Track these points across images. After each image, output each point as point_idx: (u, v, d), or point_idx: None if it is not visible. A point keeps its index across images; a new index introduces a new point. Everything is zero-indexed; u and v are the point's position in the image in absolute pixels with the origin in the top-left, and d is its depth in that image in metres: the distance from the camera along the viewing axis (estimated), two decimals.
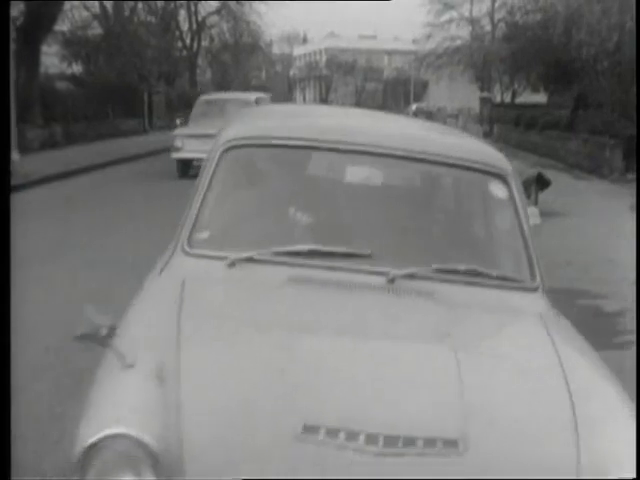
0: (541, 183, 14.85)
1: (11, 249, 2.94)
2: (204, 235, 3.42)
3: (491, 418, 2.50)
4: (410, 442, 2.33)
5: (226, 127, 3.86)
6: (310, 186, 3.90)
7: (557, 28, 29.22)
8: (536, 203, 13.55)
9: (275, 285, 3.08)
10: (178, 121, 21.51)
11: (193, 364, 2.55)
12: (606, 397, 2.69)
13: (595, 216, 14.97)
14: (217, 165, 3.54)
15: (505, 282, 3.33)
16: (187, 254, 3.30)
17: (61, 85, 30.07)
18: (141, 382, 2.44)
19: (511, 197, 3.58)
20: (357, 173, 3.83)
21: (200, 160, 7.64)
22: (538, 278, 3.40)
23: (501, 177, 3.61)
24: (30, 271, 8.27)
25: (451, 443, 2.36)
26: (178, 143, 18.83)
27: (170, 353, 2.57)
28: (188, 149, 18.32)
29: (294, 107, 9.27)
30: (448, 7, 53.14)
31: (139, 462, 2.22)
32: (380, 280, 3.16)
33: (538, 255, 3.48)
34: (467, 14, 53.49)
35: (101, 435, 2.23)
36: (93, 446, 2.22)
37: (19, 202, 13.77)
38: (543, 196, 14.65)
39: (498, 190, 3.63)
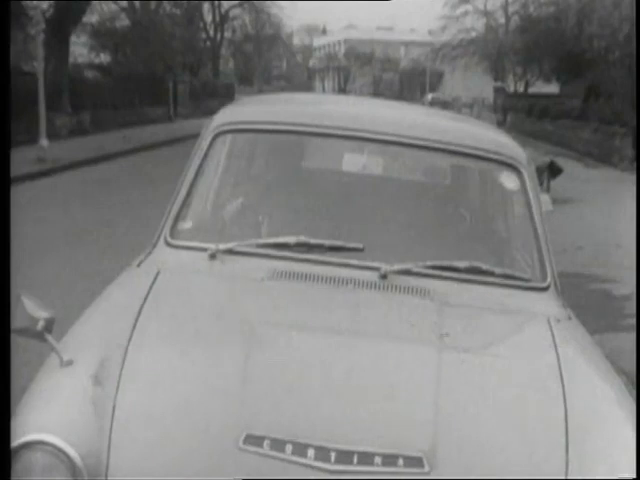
0: (553, 171, 14.96)
1: (11, 251, 2.78)
2: (187, 225, 3.19)
3: (466, 432, 2.23)
4: (366, 459, 2.10)
5: (218, 112, 3.54)
6: (303, 175, 3.72)
7: (569, 20, 29.63)
8: (548, 190, 13.64)
9: (255, 279, 2.83)
10: None
11: (138, 366, 2.33)
12: (607, 412, 2.39)
13: (605, 203, 15.08)
14: (207, 151, 3.31)
15: (511, 281, 3.03)
16: (168, 245, 3.07)
17: (89, 74, 30.54)
18: (76, 383, 2.25)
19: (524, 189, 3.27)
20: (355, 162, 3.54)
21: None
22: (549, 277, 3.09)
23: (514, 167, 3.30)
24: (62, 251, 8.98)
25: (415, 461, 2.11)
26: None
27: (116, 352, 2.36)
28: None
29: (306, 95, 8.53)
30: (463, 0, 53.67)
31: (56, 472, 2.07)
32: (372, 276, 2.90)
33: (552, 253, 3.20)
34: (482, 7, 54.06)
35: (22, 441, 2.08)
36: (14, 451, 2.07)
37: (49, 187, 14.30)
38: (555, 183, 14.80)
39: (510, 181, 3.33)
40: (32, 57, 21.51)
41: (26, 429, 2.11)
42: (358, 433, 2.16)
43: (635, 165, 20.60)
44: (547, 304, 3.00)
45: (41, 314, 2.35)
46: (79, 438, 2.10)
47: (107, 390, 2.23)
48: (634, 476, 2.14)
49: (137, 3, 37.22)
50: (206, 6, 50.04)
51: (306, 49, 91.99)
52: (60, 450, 2.07)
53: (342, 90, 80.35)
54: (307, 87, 76.09)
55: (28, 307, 2.36)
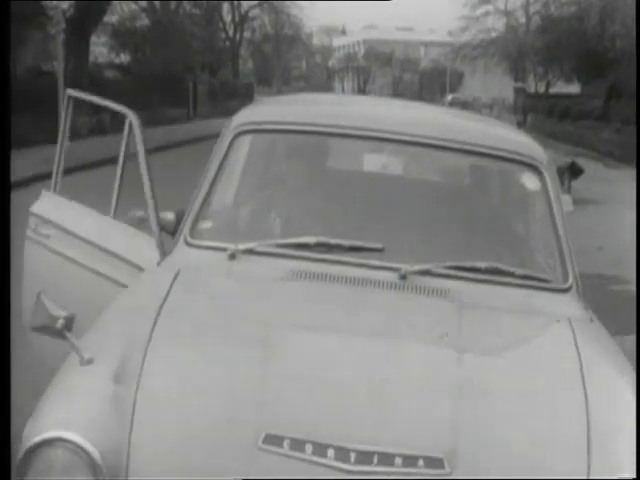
0: (574, 171, 14.87)
1: (10, 252, 2.79)
2: (207, 225, 3.19)
3: (487, 433, 2.22)
4: (386, 459, 2.09)
5: (239, 111, 3.55)
6: (323, 175, 3.71)
7: (591, 19, 29.60)
8: (569, 191, 13.64)
9: (275, 279, 2.82)
10: None
11: (158, 365, 2.33)
12: (629, 414, 2.32)
13: (626, 203, 14.55)
14: (227, 152, 3.30)
15: (532, 282, 3.00)
16: (188, 244, 3.08)
17: (109, 74, 30.67)
18: (97, 381, 2.25)
19: (545, 190, 3.25)
20: (375, 162, 3.58)
21: None
22: (570, 278, 3.06)
23: (535, 168, 3.28)
24: None
25: (435, 462, 2.10)
26: None
27: (136, 351, 2.35)
28: None
29: (325, 96, 8.40)
30: (484, 0, 53.38)
31: (77, 470, 2.07)
32: (391, 276, 2.89)
33: (573, 254, 3.16)
34: (502, 7, 53.72)
35: (42, 437, 2.09)
36: (33, 448, 2.08)
37: (68, 185, 14.77)
38: (576, 184, 14.72)
39: (531, 181, 3.32)
40: (52, 57, 21.67)
41: (46, 426, 2.11)
42: (378, 433, 2.15)
43: None
44: (568, 305, 2.99)
45: (61, 312, 2.36)
46: (99, 436, 2.10)
47: (127, 388, 2.23)
48: (634, 476, 2.13)
49: (157, 3, 37.47)
50: (226, 6, 50.28)
51: (325, 49, 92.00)
52: (80, 447, 2.07)
53: (362, 90, 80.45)
54: (326, 87, 76.06)
55: (48, 305, 2.37)
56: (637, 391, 2.41)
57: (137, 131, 3.54)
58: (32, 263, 3.86)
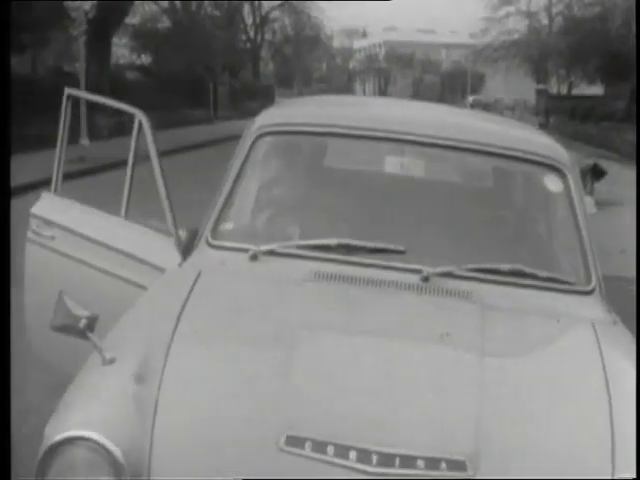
0: (596, 173, 14.77)
1: (10, 253, 2.79)
2: (229, 226, 3.21)
3: (509, 436, 2.21)
4: (409, 462, 2.07)
5: (260, 113, 3.56)
6: (345, 177, 3.69)
7: (615, 20, 29.42)
8: (592, 193, 13.53)
9: (296, 281, 2.81)
10: None
11: (180, 365, 2.33)
12: None
13: None
14: (248, 153, 3.31)
15: (555, 284, 2.98)
16: (210, 245, 3.09)
17: (130, 75, 30.94)
18: (119, 381, 2.25)
19: (568, 192, 3.24)
20: (396, 164, 3.53)
21: None
22: (594, 280, 3.04)
23: (558, 169, 3.27)
24: None
25: (458, 464, 2.08)
26: None
27: (158, 351, 2.36)
28: None
29: (346, 98, 8.26)
30: (505, 1, 53.04)
31: (99, 469, 2.07)
32: (413, 278, 2.88)
33: (596, 256, 3.14)
34: (524, 8, 53.48)
35: (64, 436, 2.08)
36: (55, 446, 2.08)
37: (89, 185, 13.74)
38: (598, 186, 14.60)
39: (554, 183, 3.29)
40: (74, 58, 21.75)
41: (68, 425, 2.11)
42: (400, 435, 2.14)
43: None
44: (592, 308, 2.97)
45: (83, 312, 2.35)
46: (121, 435, 2.10)
47: (149, 388, 2.23)
48: (634, 476, 2.11)
49: (178, 4, 37.59)
50: (246, 8, 50.47)
51: (346, 51, 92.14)
52: (102, 446, 2.07)
53: (382, 92, 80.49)
54: (347, 89, 76.20)
55: (70, 305, 2.36)
56: (637, 391, 2.39)
57: (147, 131, 3.51)
58: (34, 264, 3.84)
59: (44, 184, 4.23)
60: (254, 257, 2.97)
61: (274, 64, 62.07)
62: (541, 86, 48.53)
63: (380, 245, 2.99)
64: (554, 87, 48.50)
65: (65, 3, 18.11)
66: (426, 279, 2.88)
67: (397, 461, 2.07)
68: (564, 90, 47.01)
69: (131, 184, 3.63)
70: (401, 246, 2.97)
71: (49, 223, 3.78)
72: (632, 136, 26.55)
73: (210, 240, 3.11)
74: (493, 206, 3.68)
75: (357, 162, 3.78)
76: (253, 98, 41.81)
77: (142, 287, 3.21)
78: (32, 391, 4.47)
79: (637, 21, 18.35)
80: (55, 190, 3.94)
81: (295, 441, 2.09)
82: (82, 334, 2.34)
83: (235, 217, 3.27)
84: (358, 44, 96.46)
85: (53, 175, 3.95)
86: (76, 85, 17.49)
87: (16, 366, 2.80)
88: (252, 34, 52.52)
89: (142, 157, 3.61)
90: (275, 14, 53.83)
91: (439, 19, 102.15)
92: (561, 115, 39.33)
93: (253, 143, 3.32)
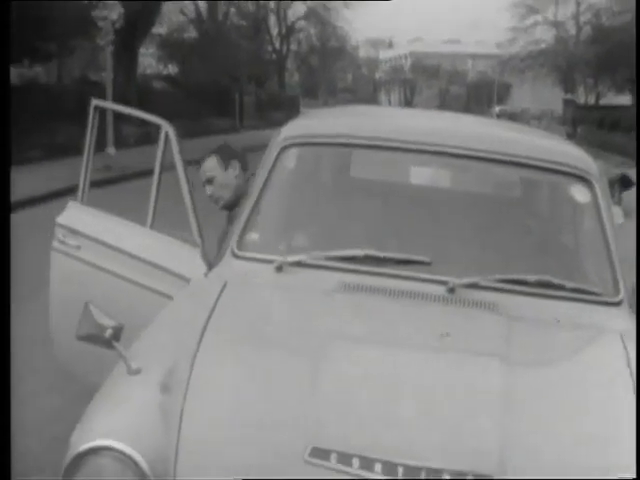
0: (624, 183, 14.71)
1: (11, 254, 2.83)
2: (254, 237, 3.20)
3: (536, 449, 2.17)
4: (435, 475, 2.04)
5: (286, 124, 3.54)
6: (370, 188, 3.67)
7: None
8: (620, 203, 13.63)
9: (322, 292, 2.80)
10: None
11: (205, 375, 2.32)
12: None
13: None
14: (274, 164, 3.30)
15: (582, 295, 2.95)
16: (235, 256, 3.09)
17: (157, 85, 31.21)
18: (144, 391, 2.26)
19: (595, 202, 3.20)
20: (423, 175, 3.57)
21: None
22: (621, 292, 3.00)
23: (585, 180, 3.23)
24: None
25: (485, 477, 2.06)
26: None
27: (184, 361, 2.35)
28: None
29: (372, 108, 8.19)
30: (532, 11, 52.98)
31: (124, 478, 2.08)
32: (439, 289, 2.87)
33: (623, 267, 3.11)
34: (551, 17, 53.27)
35: (89, 445, 2.09)
36: (80, 455, 2.09)
37: (115, 193, 14.04)
38: (626, 196, 14.75)
39: (582, 194, 3.25)
40: (101, 67, 21.93)
41: (94, 435, 2.11)
42: (426, 448, 2.12)
43: None
44: (619, 319, 2.92)
45: (109, 322, 2.36)
46: (147, 445, 2.11)
47: (175, 398, 2.23)
48: (634, 476, 2.09)
49: (204, 15, 37.75)
50: (272, 18, 50.75)
51: (372, 62, 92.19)
52: (128, 456, 2.07)
53: (408, 103, 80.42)
54: (373, 100, 76.18)
55: (95, 314, 2.37)
56: (637, 391, 2.37)
57: (173, 141, 3.51)
58: (59, 274, 3.84)
59: (72, 192, 4.22)
60: (280, 268, 2.97)
61: (300, 75, 62.22)
62: (568, 96, 48.30)
63: (406, 256, 2.99)
64: (582, 97, 48.24)
65: (92, 13, 18.23)
66: (452, 290, 2.88)
67: (423, 473, 2.05)
68: (592, 100, 46.73)
69: (157, 194, 3.62)
70: (427, 257, 2.97)
71: (75, 232, 3.77)
72: None
73: (236, 251, 3.11)
74: (520, 216, 3.65)
75: (382, 173, 3.75)
76: (279, 108, 41.96)
77: (168, 297, 3.20)
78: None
79: (637, 21, 18.17)
80: (82, 199, 3.92)
81: (321, 453, 2.08)
82: (108, 344, 2.35)
83: (261, 228, 3.26)
84: (384, 55, 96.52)
85: (79, 185, 3.94)
86: (102, 94, 17.60)
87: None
88: (278, 45, 52.71)
89: (168, 167, 3.60)
90: (301, 24, 53.91)
91: (465, 29, 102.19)
92: (589, 125, 39.12)
93: (279, 154, 3.32)
